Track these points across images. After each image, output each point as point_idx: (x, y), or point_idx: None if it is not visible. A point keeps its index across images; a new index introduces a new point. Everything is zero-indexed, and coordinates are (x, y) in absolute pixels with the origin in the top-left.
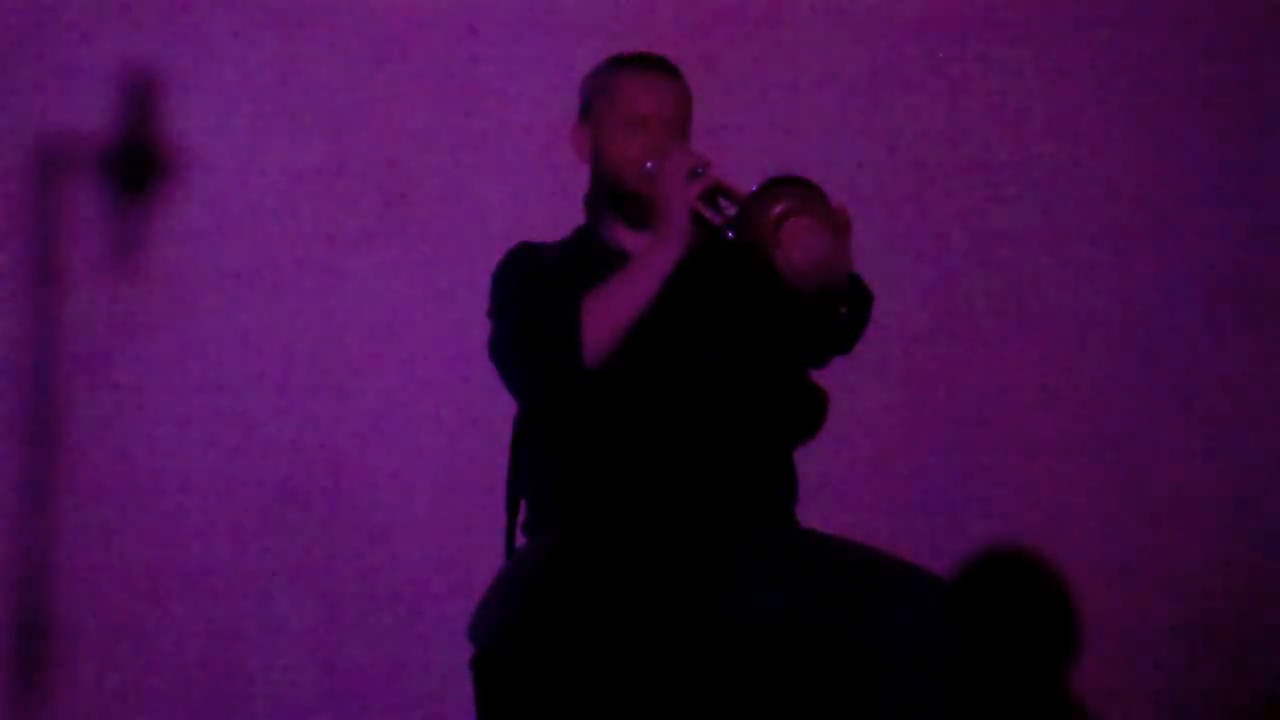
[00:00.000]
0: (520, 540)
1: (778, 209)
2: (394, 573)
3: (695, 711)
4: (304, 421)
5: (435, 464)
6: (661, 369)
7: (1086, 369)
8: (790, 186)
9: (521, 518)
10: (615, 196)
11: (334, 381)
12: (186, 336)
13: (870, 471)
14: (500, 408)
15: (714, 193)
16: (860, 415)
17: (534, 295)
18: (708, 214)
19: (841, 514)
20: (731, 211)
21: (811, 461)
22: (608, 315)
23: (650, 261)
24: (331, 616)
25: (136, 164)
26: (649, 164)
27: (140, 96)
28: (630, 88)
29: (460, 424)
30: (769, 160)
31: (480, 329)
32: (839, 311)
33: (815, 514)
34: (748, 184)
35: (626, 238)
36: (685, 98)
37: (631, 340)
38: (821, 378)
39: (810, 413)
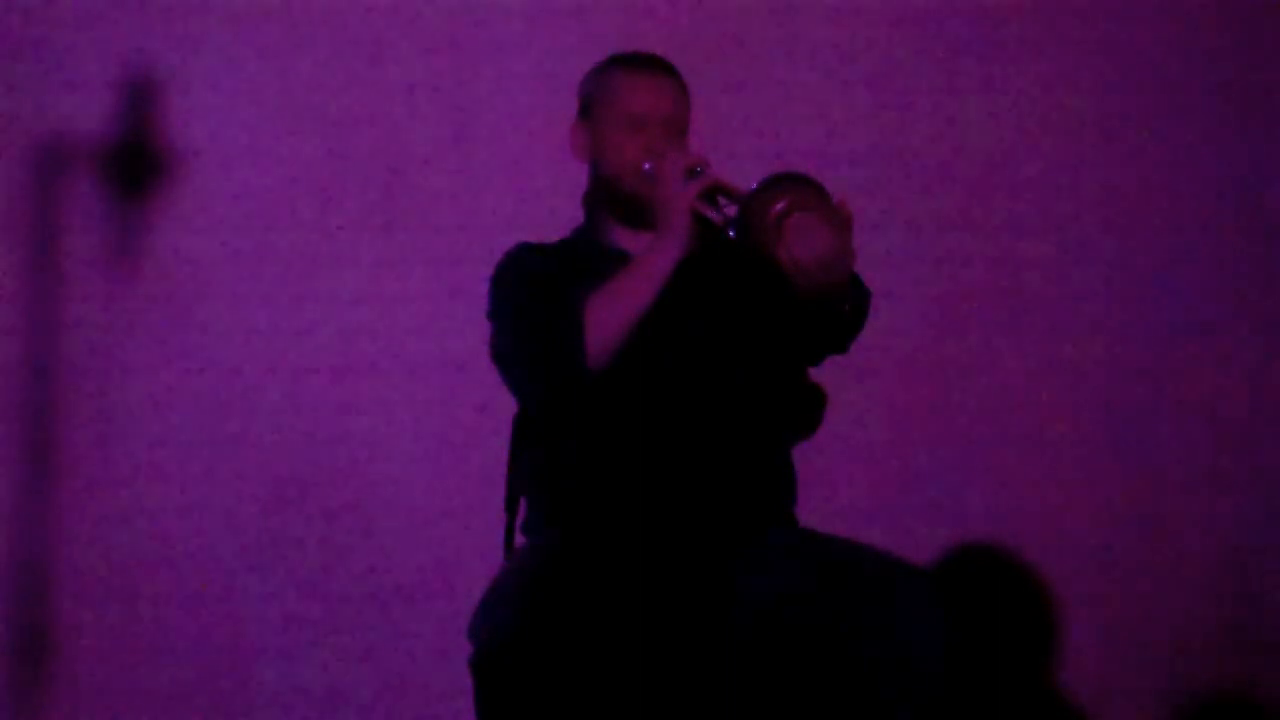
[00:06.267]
0: (520, 540)
1: (779, 206)
2: (394, 573)
3: (695, 712)
4: (303, 422)
5: (435, 464)
6: (662, 369)
7: (1086, 368)
8: (790, 183)
9: (521, 518)
10: (614, 196)
11: (334, 382)
12: (186, 336)
13: (869, 471)
14: (500, 408)
15: (713, 191)
16: (859, 414)
17: (535, 296)
18: (708, 213)
19: (841, 514)
20: (731, 210)
21: (811, 461)
22: (610, 316)
23: (651, 262)
24: (331, 616)
25: (136, 164)
26: (647, 164)
27: (140, 96)
28: (628, 87)
29: (460, 424)
30: (769, 159)
31: (480, 329)
32: (840, 309)
33: (815, 514)
34: (747, 182)
35: (625, 238)
36: (683, 97)
37: (632, 340)
38: (820, 377)
39: (808, 412)
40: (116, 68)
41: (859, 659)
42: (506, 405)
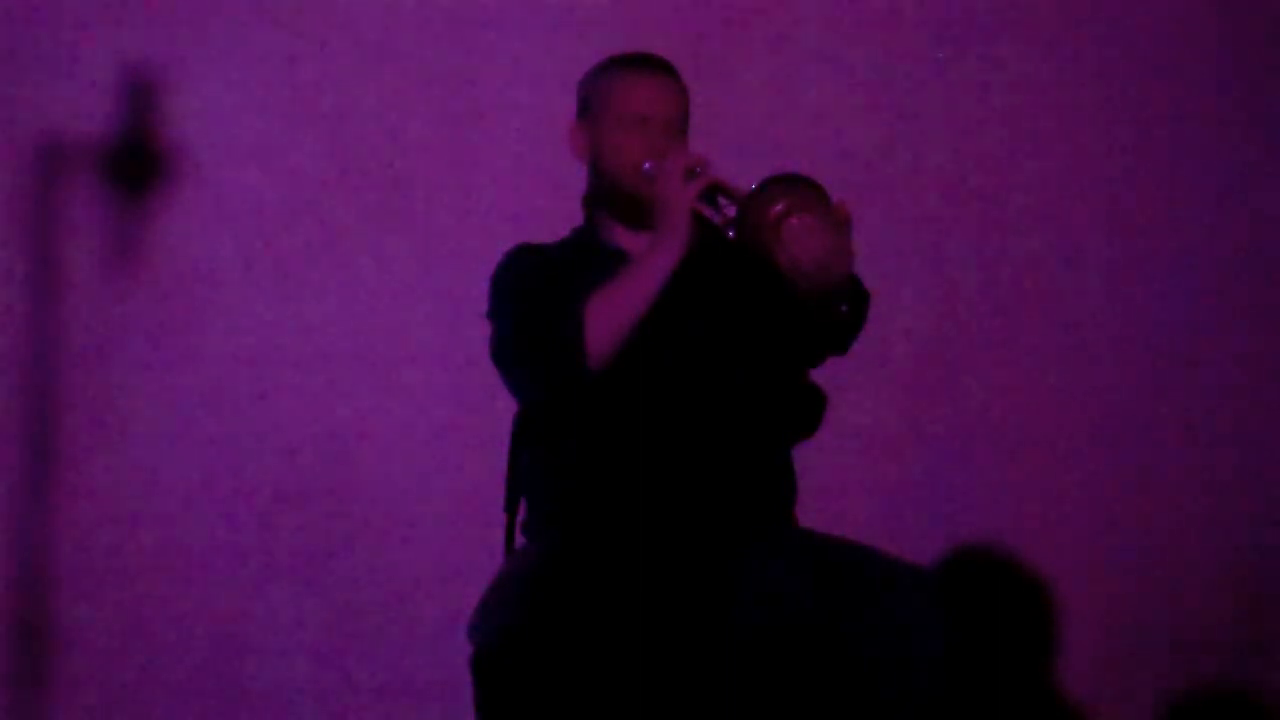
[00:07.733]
0: (520, 541)
1: (778, 207)
2: (394, 572)
3: (695, 713)
4: (303, 421)
5: (435, 464)
6: (662, 369)
7: (1085, 369)
8: (790, 184)
9: (521, 518)
10: (613, 196)
11: (334, 382)
12: (186, 336)
13: (870, 471)
14: (500, 408)
15: (713, 192)
16: (859, 415)
17: (535, 297)
18: (708, 213)
19: (841, 514)
20: (731, 211)
21: (811, 461)
22: (610, 316)
23: (651, 262)
24: (331, 616)
25: (136, 164)
26: (646, 164)
27: (140, 96)
28: (628, 87)
29: (460, 424)
30: (768, 158)
31: (480, 329)
32: (839, 310)
33: (815, 514)
34: (747, 183)
35: (625, 238)
36: (683, 97)
37: (632, 340)
38: (820, 377)
39: (808, 412)
40: (116, 68)
41: (859, 659)
42: (506, 405)
